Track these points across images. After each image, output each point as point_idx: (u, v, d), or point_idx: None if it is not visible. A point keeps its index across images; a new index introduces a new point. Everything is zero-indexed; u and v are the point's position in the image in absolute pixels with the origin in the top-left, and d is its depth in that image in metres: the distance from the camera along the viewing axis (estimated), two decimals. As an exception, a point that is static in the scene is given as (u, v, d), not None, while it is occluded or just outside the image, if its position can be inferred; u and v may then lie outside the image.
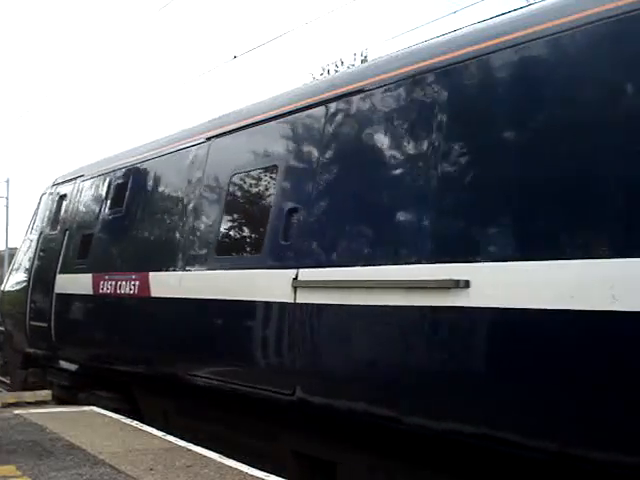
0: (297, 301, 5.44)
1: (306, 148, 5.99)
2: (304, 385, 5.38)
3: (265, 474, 4.98)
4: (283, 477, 5.02)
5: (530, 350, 4.02)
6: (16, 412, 7.28)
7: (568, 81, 4.24)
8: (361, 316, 5.00)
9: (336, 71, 24.04)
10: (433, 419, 4.51)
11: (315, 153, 5.76)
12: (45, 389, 9.26)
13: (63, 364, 9.27)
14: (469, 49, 4.78)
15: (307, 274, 5.44)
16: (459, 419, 4.38)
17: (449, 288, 4.32)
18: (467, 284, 4.25)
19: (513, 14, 4.92)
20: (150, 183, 8.16)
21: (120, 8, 55.97)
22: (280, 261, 5.78)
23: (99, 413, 7.35)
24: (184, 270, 6.91)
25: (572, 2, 4.37)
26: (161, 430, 6.45)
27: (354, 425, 5.14)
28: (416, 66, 5.10)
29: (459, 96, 4.81)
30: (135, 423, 6.81)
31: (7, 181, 36.56)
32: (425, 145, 4.84)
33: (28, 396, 8.90)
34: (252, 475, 4.94)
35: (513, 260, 4.14)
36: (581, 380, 3.82)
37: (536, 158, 4.24)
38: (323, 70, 26.11)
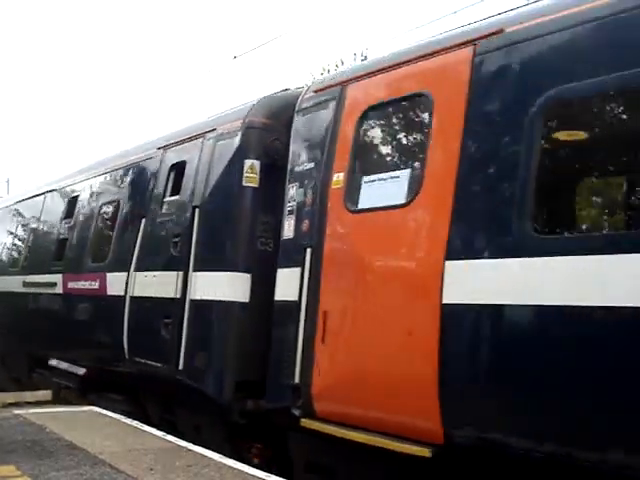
0: None
1: None
2: None
3: (265, 474, 4.98)
4: (283, 477, 5.02)
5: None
6: (16, 412, 7.27)
7: None
8: None
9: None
10: None
11: None
12: None
13: None
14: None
15: None
16: None
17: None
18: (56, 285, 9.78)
19: None
20: None
21: (119, 9, 56.12)
22: None
23: (99, 413, 7.36)
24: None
25: None
26: (161, 430, 6.46)
27: None
28: None
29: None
30: (135, 423, 6.81)
31: (7, 181, 36.64)
32: None
33: (28, 396, 8.91)
34: (252, 475, 4.95)
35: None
36: None
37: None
38: (324, 70, 26.06)
